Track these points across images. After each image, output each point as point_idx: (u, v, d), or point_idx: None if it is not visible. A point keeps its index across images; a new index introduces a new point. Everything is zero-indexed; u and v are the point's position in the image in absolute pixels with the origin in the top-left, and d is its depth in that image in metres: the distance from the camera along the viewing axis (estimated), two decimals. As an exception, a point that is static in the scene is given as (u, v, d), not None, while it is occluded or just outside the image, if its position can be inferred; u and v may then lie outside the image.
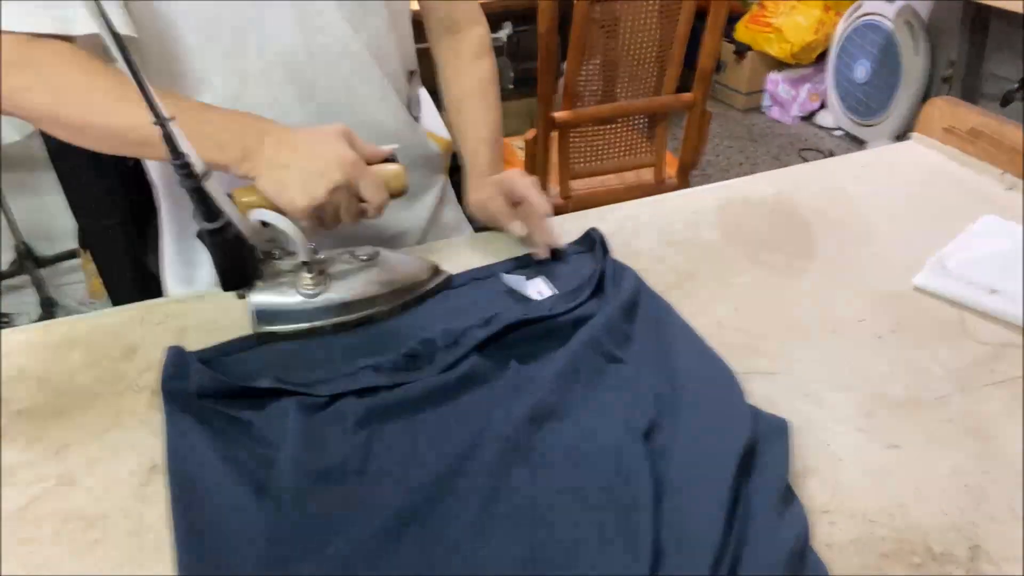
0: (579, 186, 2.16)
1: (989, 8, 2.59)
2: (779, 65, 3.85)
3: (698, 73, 2.02)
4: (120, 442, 0.70)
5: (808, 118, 3.86)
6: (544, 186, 2.09)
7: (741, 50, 3.90)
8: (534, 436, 0.66)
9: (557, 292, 0.85)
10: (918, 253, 0.91)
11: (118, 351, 0.81)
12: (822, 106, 3.82)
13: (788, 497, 0.61)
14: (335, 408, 0.70)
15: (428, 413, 0.70)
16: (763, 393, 0.72)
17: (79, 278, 2.48)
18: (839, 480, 0.64)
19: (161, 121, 0.64)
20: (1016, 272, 0.85)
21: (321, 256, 0.81)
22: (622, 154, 2.14)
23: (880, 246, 0.95)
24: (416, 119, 1.07)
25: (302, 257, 0.78)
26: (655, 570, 0.54)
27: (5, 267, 2.41)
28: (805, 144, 3.64)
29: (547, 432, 0.67)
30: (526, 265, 0.90)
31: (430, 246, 1.00)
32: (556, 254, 0.91)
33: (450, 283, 0.88)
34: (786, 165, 2.75)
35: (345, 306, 0.81)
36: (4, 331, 0.84)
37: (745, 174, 1.03)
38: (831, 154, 3.48)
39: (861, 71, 3.49)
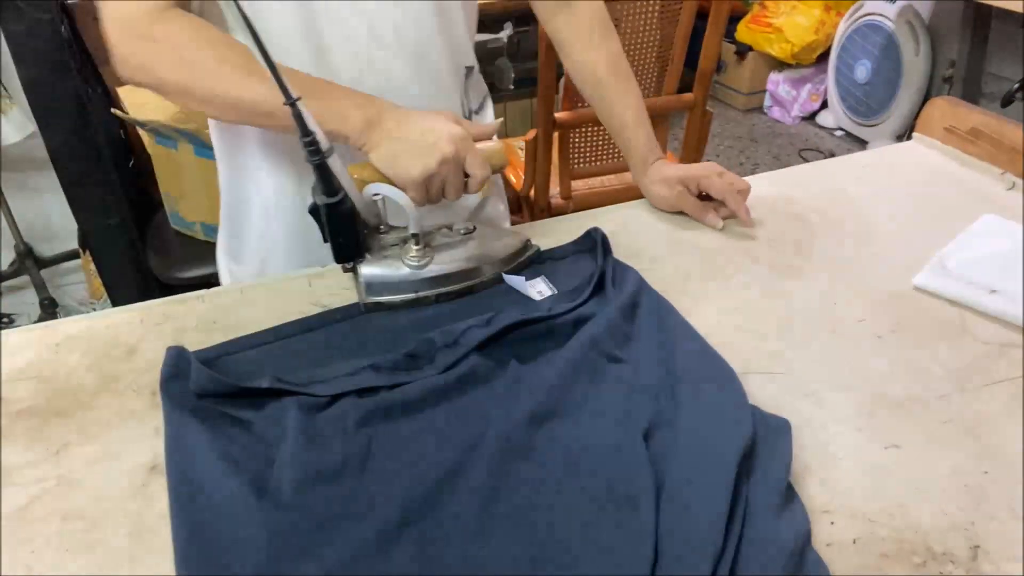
0: (580, 186, 2.16)
1: (990, 8, 2.59)
2: (780, 65, 3.85)
3: (699, 73, 2.02)
4: (120, 442, 0.70)
5: (809, 118, 3.86)
6: (545, 186, 2.09)
7: (742, 50, 3.90)
8: (534, 436, 0.66)
9: (557, 292, 0.85)
10: (918, 253, 0.91)
11: (118, 351, 0.81)
12: (823, 106, 3.82)
13: (789, 497, 0.61)
14: (335, 408, 0.70)
15: (428, 413, 0.70)
16: (763, 393, 0.72)
17: (79, 278, 2.49)
18: (839, 480, 0.63)
19: (291, 101, 0.68)
20: (1016, 272, 0.85)
21: (424, 231, 0.84)
22: (623, 154, 2.14)
23: (880, 246, 0.95)
24: (472, 114, 1.06)
25: (413, 229, 0.82)
26: (655, 570, 0.54)
27: (5, 267, 2.41)
28: (806, 144, 3.64)
29: (547, 432, 0.67)
30: (527, 265, 0.90)
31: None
32: (555, 254, 0.91)
33: (539, 256, 0.91)
34: (787, 165, 2.75)
35: (447, 277, 0.85)
36: (4, 331, 0.84)
37: (746, 174, 1.03)
38: (832, 154, 3.48)
39: (862, 71, 3.49)
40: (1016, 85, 2.51)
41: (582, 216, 1.02)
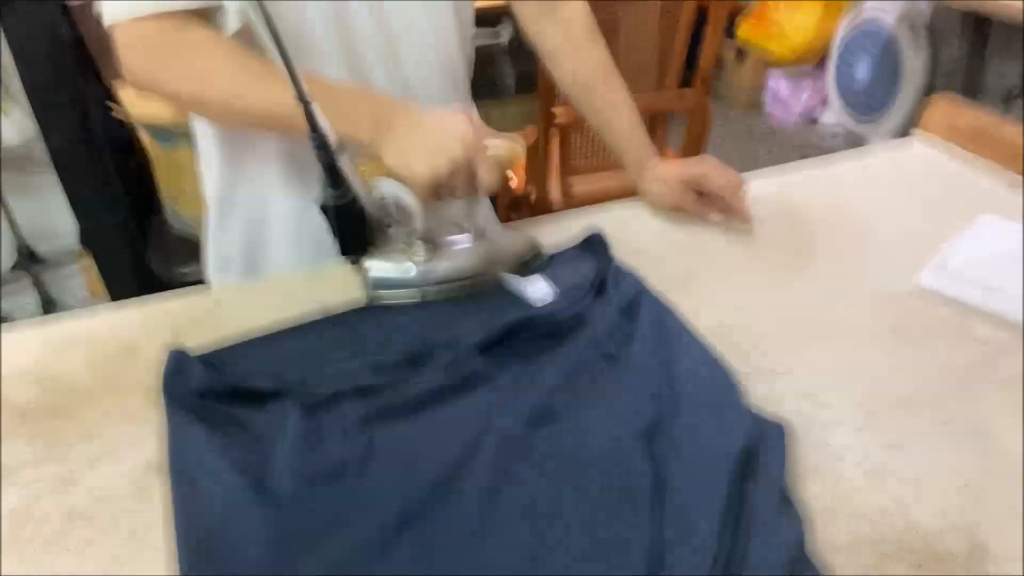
0: (579, 185, 2.16)
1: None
2: (780, 64, 3.85)
3: (699, 72, 2.02)
4: (120, 442, 0.70)
5: (809, 118, 3.86)
6: (544, 185, 2.09)
7: (742, 50, 3.90)
8: (534, 437, 0.66)
9: (558, 292, 0.85)
10: (918, 252, 0.91)
11: (118, 350, 0.81)
12: (823, 106, 3.82)
13: (787, 499, 0.61)
14: (335, 408, 0.70)
15: (429, 413, 0.70)
16: (764, 393, 0.71)
17: (80, 278, 2.49)
18: (840, 480, 0.63)
19: (304, 100, 0.70)
20: (1016, 272, 0.85)
21: (430, 230, 0.84)
22: (618, 158, 2.14)
23: (881, 245, 0.95)
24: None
25: (419, 228, 0.82)
26: (654, 571, 0.54)
27: (6, 267, 2.41)
28: (806, 144, 3.64)
29: (547, 433, 0.67)
30: (535, 269, 0.90)
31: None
32: (556, 255, 0.91)
33: (544, 258, 0.90)
34: (787, 165, 2.74)
35: (453, 276, 0.85)
36: (5, 331, 0.84)
37: (746, 173, 1.03)
38: (832, 153, 3.47)
39: (862, 70, 3.49)
40: (1016, 84, 2.51)
41: (582, 215, 1.02)
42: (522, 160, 0.83)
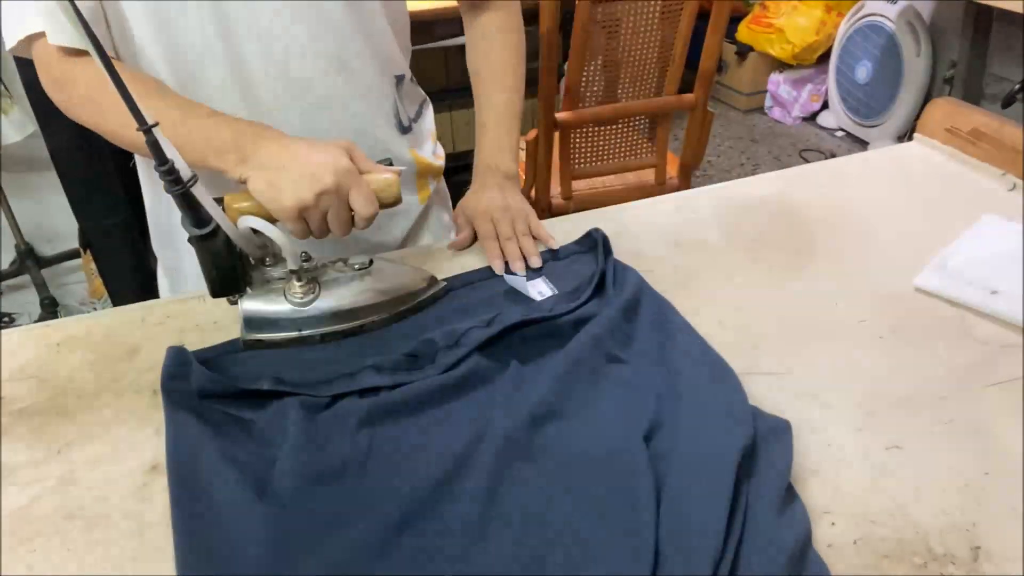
0: (580, 187, 2.16)
1: (991, 9, 2.59)
2: (781, 66, 3.85)
3: (699, 74, 2.02)
4: (121, 442, 0.70)
5: (809, 119, 3.86)
6: (546, 186, 2.09)
7: (743, 51, 3.90)
8: (535, 437, 0.66)
9: (558, 292, 0.85)
10: (919, 253, 0.91)
11: (119, 351, 0.81)
12: (824, 107, 3.82)
13: (789, 497, 0.61)
14: (336, 408, 0.70)
15: (429, 413, 0.70)
16: (764, 393, 0.71)
17: (80, 278, 2.49)
18: (840, 480, 0.63)
19: (145, 127, 0.64)
20: (1016, 272, 0.85)
21: (313, 264, 0.80)
22: (624, 155, 2.14)
23: (881, 246, 0.95)
24: (406, 130, 1.03)
25: (291, 265, 0.77)
26: (656, 570, 0.54)
27: (6, 267, 2.41)
28: (806, 145, 3.64)
29: (547, 433, 0.67)
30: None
31: (426, 247, 1.00)
32: (557, 254, 0.91)
33: (445, 293, 0.87)
34: (787, 166, 2.75)
35: (335, 315, 0.80)
36: (5, 331, 0.84)
37: (746, 175, 1.03)
38: (832, 155, 3.48)
39: (863, 72, 3.49)
40: (1017, 86, 2.51)
41: (583, 216, 1.02)
42: (400, 194, 0.79)
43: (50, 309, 2.38)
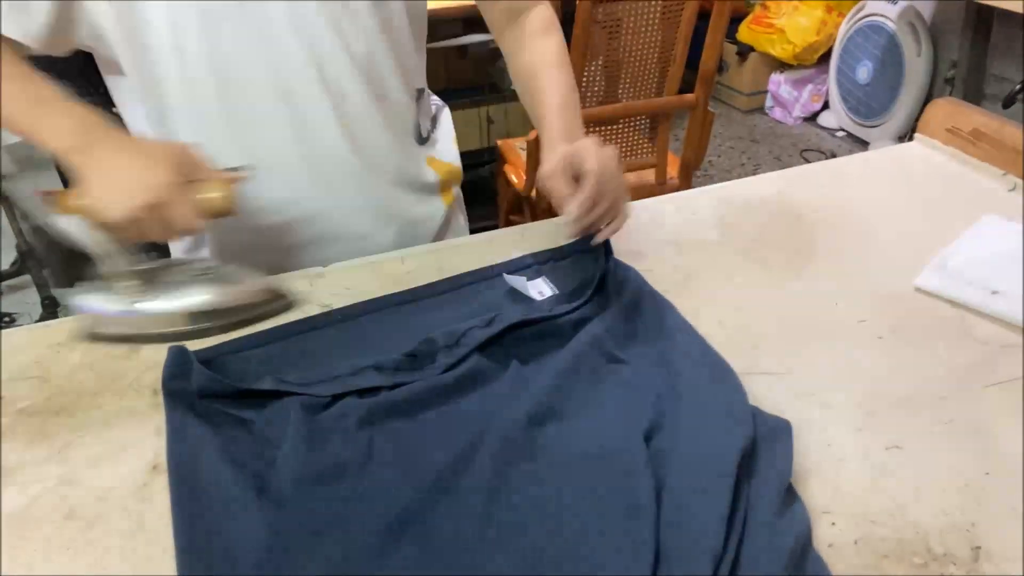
0: (581, 187, 2.15)
1: (991, 9, 2.59)
2: (781, 66, 3.85)
3: (700, 74, 2.02)
4: (121, 442, 0.70)
5: (810, 119, 3.86)
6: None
7: (743, 51, 3.90)
8: (535, 436, 0.66)
9: (558, 293, 0.85)
10: (919, 253, 0.91)
11: (119, 350, 0.81)
12: (824, 107, 3.82)
13: (790, 498, 0.60)
14: (337, 408, 0.70)
15: (429, 413, 0.70)
16: (764, 393, 0.71)
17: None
18: (840, 480, 0.63)
19: None
20: (1016, 273, 0.85)
21: (150, 265, 0.79)
22: (624, 155, 2.14)
23: (881, 246, 0.95)
24: (423, 140, 1.04)
25: (105, 268, 0.76)
26: (656, 570, 0.54)
27: (7, 267, 2.41)
28: (807, 145, 3.64)
29: (547, 432, 0.67)
30: (528, 265, 0.90)
31: (432, 246, 1.00)
32: (557, 255, 0.91)
33: (289, 307, 0.85)
34: (788, 166, 2.75)
35: (169, 318, 0.79)
36: (5, 330, 0.84)
37: (747, 175, 1.03)
38: (833, 155, 3.47)
39: (863, 72, 3.49)
40: (1017, 86, 2.51)
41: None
42: (233, 205, 0.77)
43: (51, 309, 2.38)
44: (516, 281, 0.86)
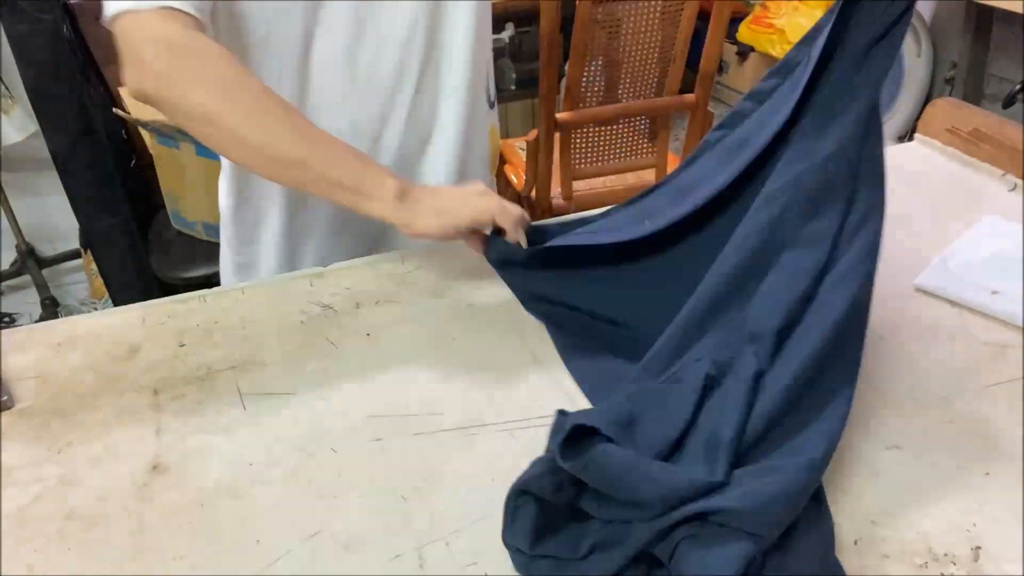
0: (581, 187, 2.15)
1: (991, 9, 2.59)
2: (781, 66, 3.85)
3: (700, 74, 2.02)
4: (121, 442, 0.70)
5: (810, 119, 3.85)
6: (546, 187, 2.09)
7: (743, 51, 3.90)
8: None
9: None
10: (920, 254, 0.91)
11: (119, 351, 0.81)
12: (824, 107, 3.81)
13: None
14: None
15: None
16: (764, 394, 0.71)
17: (81, 278, 2.49)
18: (840, 481, 0.63)
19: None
20: (1017, 273, 0.85)
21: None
22: (624, 155, 2.14)
23: (881, 246, 0.94)
24: (492, 105, 1.08)
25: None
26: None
27: (7, 267, 2.41)
28: (807, 145, 3.64)
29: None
30: None
31: (432, 246, 1.00)
32: None
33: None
34: (788, 166, 2.73)
35: None
36: (5, 331, 0.84)
37: (746, 175, 1.03)
38: (833, 155, 3.46)
39: (863, 72, 3.49)
40: (1017, 86, 2.51)
41: (584, 216, 1.02)
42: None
43: (51, 309, 2.38)
44: None
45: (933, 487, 0.63)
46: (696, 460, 0.59)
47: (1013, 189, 1.04)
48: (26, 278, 2.42)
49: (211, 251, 1.15)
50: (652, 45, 1.94)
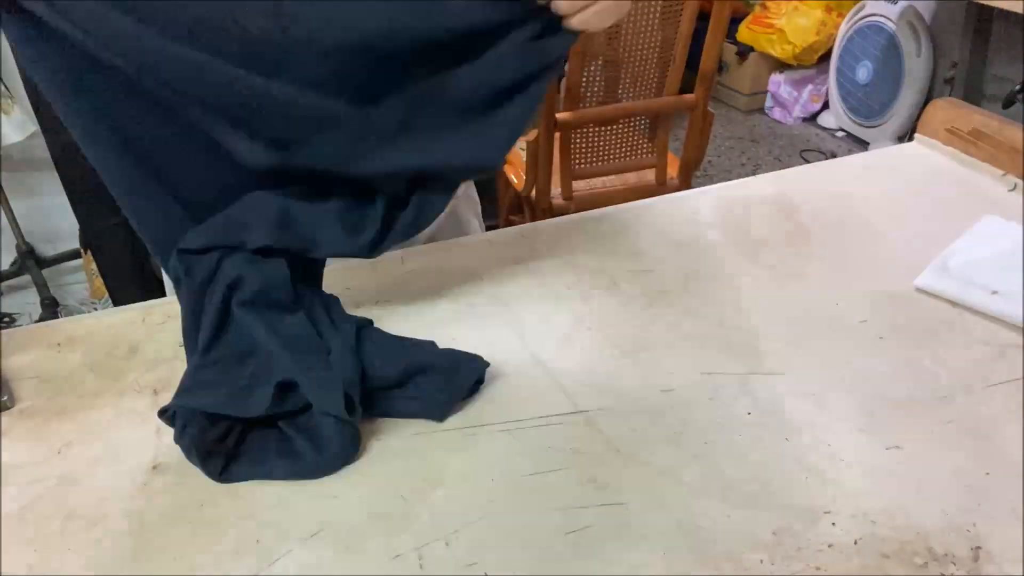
0: (581, 187, 2.16)
1: (991, 9, 2.59)
2: (781, 66, 3.85)
3: (700, 74, 2.02)
4: (121, 442, 0.70)
5: (810, 119, 3.86)
6: (546, 187, 2.09)
7: (743, 51, 3.90)
8: None
9: None
10: (919, 254, 0.91)
11: (120, 351, 0.81)
12: (824, 107, 3.82)
13: None
14: None
15: None
16: (764, 393, 0.71)
17: (81, 278, 2.49)
18: (840, 481, 0.63)
19: None
20: (1017, 273, 0.85)
21: None
22: (624, 155, 2.14)
23: (881, 247, 0.95)
24: None
25: None
26: None
27: (7, 267, 2.41)
28: (807, 145, 3.64)
29: None
30: None
31: (432, 246, 1.00)
32: None
33: None
34: (788, 166, 2.75)
35: None
36: (5, 331, 0.84)
37: (747, 175, 1.03)
38: (833, 155, 3.48)
39: (863, 72, 3.49)
40: (1017, 86, 2.51)
41: (584, 217, 1.02)
42: None
43: (51, 309, 2.38)
44: None
45: (933, 487, 0.63)
46: None
47: (1013, 189, 1.04)
48: (26, 278, 2.42)
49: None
50: (652, 45, 1.94)
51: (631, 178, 2.24)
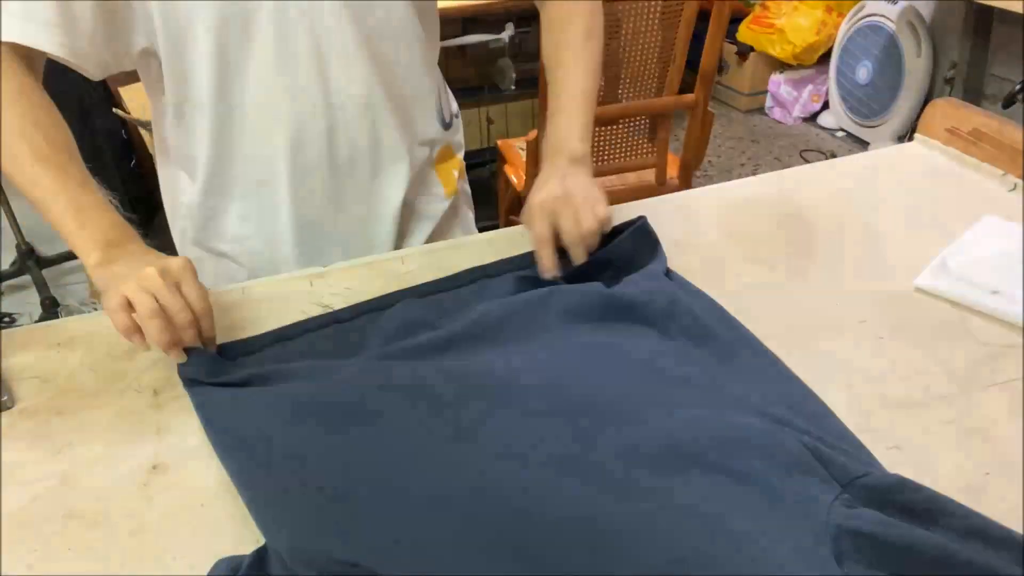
0: (581, 187, 2.15)
1: (991, 9, 2.59)
2: (781, 66, 3.85)
3: (700, 74, 2.02)
4: (121, 442, 0.70)
5: (810, 119, 3.86)
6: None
7: (743, 51, 3.90)
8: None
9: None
10: (919, 254, 0.90)
11: (119, 351, 0.81)
12: (824, 107, 3.82)
13: None
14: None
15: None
16: (764, 394, 0.71)
17: (81, 278, 2.49)
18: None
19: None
20: (1017, 273, 0.85)
21: None
22: (624, 155, 2.14)
23: (881, 247, 0.95)
24: (447, 125, 1.09)
25: None
26: None
27: (7, 267, 2.41)
28: (807, 145, 3.64)
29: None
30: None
31: (432, 246, 1.00)
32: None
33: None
34: (788, 166, 2.75)
35: None
36: (5, 331, 0.84)
37: (747, 175, 1.03)
38: (833, 155, 3.47)
39: (863, 72, 3.49)
40: (1017, 86, 2.51)
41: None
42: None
43: (51, 309, 2.38)
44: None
45: (933, 487, 0.63)
46: None
47: (1013, 189, 1.04)
48: (26, 278, 2.42)
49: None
50: (652, 45, 1.94)
51: (631, 178, 2.24)
